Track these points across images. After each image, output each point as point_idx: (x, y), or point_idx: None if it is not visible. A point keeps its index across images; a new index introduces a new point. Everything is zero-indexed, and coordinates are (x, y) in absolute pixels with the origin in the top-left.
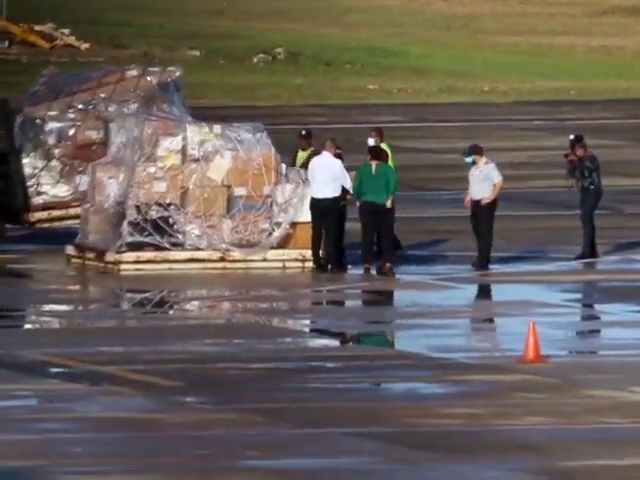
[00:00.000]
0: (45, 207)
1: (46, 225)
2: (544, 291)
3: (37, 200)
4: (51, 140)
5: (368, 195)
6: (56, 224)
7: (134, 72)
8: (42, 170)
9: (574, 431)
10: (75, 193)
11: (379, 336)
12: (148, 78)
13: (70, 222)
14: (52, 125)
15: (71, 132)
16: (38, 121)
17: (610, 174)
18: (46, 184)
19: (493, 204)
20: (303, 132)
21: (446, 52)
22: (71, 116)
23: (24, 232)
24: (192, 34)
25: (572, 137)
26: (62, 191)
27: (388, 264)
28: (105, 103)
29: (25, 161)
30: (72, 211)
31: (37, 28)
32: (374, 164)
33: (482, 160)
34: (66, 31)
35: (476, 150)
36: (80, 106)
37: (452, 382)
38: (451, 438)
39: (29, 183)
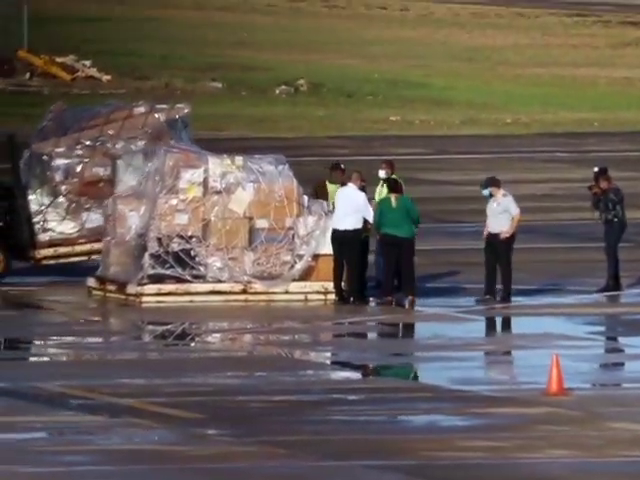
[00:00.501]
0: (51, 244)
1: (52, 262)
2: (566, 324)
3: (43, 237)
4: (58, 177)
5: (388, 228)
6: (62, 261)
7: (142, 109)
8: (48, 207)
9: (596, 464)
10: (81, 230)
11: (400, 368)
12: (156, 115)
13: (76, 259)
14: (59, 161)
15: (78, 169)
16: (45, 157)
17: (633, 206)
18: (52, 221)
19: (512, 237)
20: (341, 165)
21: (468, 84)
22: (78, 153)
23: (29, 265)
24: (213, 65)
25: (596, 169)
26: (68, 228)
27: (410, 297)
28: (112, 140)
29: (31, 197)
30: (78, 248)
31: (58, 60)
32: (393, 197)
33: (500, 192)
34: (87, 63)
35: (493, 182)
36: (87, 143)
37: (474, 415)
38: (471, 471)
39: (35, 220)
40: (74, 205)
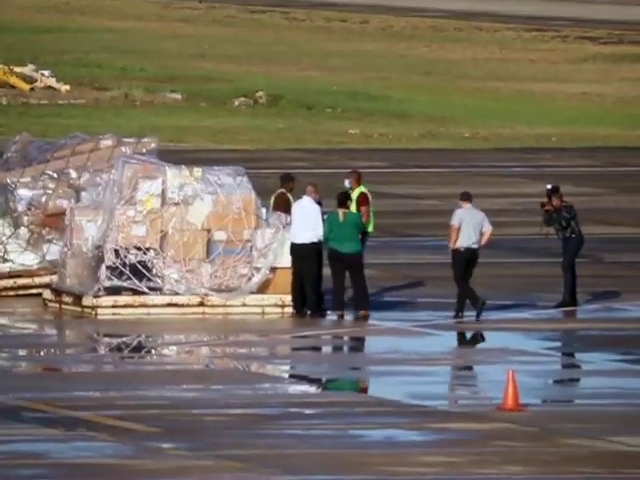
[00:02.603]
0: (11, 275)
1: (12, 293)
2: (523, 339)
3: (3, 267)
4: (21, 207)
5: (334, 243)
6: (22, 292)
7: (108, 142)
8: (10, 237)
9: None
10: (42, 262)
11: (358, 382)
12: (122, 148)
13: (36, 291)
14: (23, 192)
15: (42, 200)
16: (9, 187)
17: (589, 222)
18: (13, 252)
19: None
20: (291, 175)
21: (427, 97)
22: (43, 184)
23: None
24: (173, 77)
25: (549, 187)
26: (29, 259)
27: (363, 311)
28: (77, 172)
29: None
30: (38, 280)
31: (17, 70)
32: (341, 212)
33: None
34: (46, 73)
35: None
36: (52, 174)
37: (430, 430)
38: None
39: None
40: (36, 236)
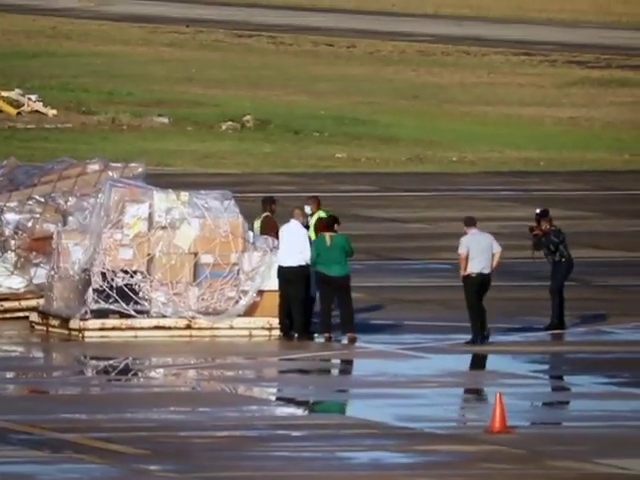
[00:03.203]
0: None
1: None
2: (511, 362)
3: None
4: (8, 231)
5: (322, 267)
6: (8, 315)
7: (96, 166)
8: None
9: None
10: (29, 285)
11: (345, 405)
12: (110, 173)
13: (22, 314)
14: (10, 216)
15: (29, 224)
16: None
17: (577, 245)
18: (0, 275)
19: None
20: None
21: (415, 121)
22: (30, 208)
23: None
24: (160, 101)
25: (538, 211)
26: (16, 283)
27: (350, 334)
28: (65, 197)
29: None
30: (25, 303)
31: (4, 94)
32: (328, 235)
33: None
34: (33, 97)
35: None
36: (39, 198)
37: (417, 452)
38: None
39: None
40: (22, 260)
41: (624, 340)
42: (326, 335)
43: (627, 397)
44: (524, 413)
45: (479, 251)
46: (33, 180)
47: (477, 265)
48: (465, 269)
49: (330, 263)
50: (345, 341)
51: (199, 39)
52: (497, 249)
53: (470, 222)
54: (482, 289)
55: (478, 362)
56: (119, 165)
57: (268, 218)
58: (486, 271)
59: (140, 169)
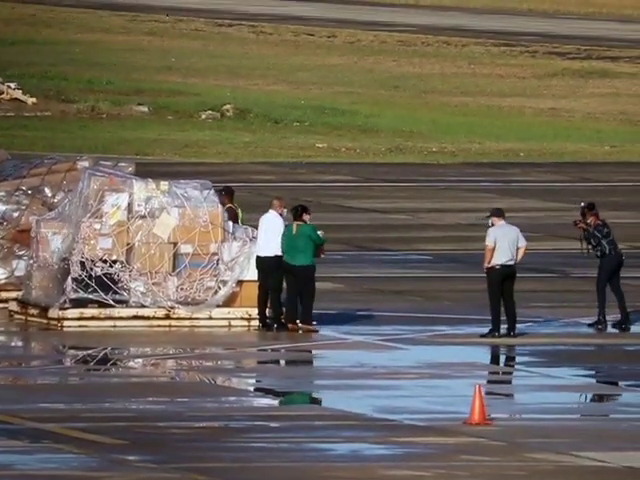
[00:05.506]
0: None
1: None
2: (491, 353)
3: None
4: None
5: (286, 256)
6: None
7: (85, 163)
8: None
9: None
10: (10, 277)
11: (323, 396)
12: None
13: (2, 305)
14: None
15: (15, 215)
16: None
17: (557, 237)
18: None
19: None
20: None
21: (395, 112)
22: (16, 199)
23: None
24: (140, 90)
25: (583, 204)
26: None
27: (306, 325)
28: (52, 191)
29: None
30: (4, 295)
31: None
32: (295, 225)
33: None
34: (12, 85)
35: (493, 212)
36: (27, 190)
37: (397, 444)
38: None
39: None
40: (6, 251)
41: (600, 333)
42: (290, 326)
43: (607, 390)
44: (503, 405)
45: (505, 243)
46: (22, 172)
47: (502, 257)
48: (489, 261)
49: (294, 252)
50: (300, 331)
51: (179, 28)
52: (523, 243)
53: (498, 213)
54: (507, 281)
55: (459, 354)
56: (108, 163)
57: (230, 209)
58: (510, 263)
59: (130, 168)
